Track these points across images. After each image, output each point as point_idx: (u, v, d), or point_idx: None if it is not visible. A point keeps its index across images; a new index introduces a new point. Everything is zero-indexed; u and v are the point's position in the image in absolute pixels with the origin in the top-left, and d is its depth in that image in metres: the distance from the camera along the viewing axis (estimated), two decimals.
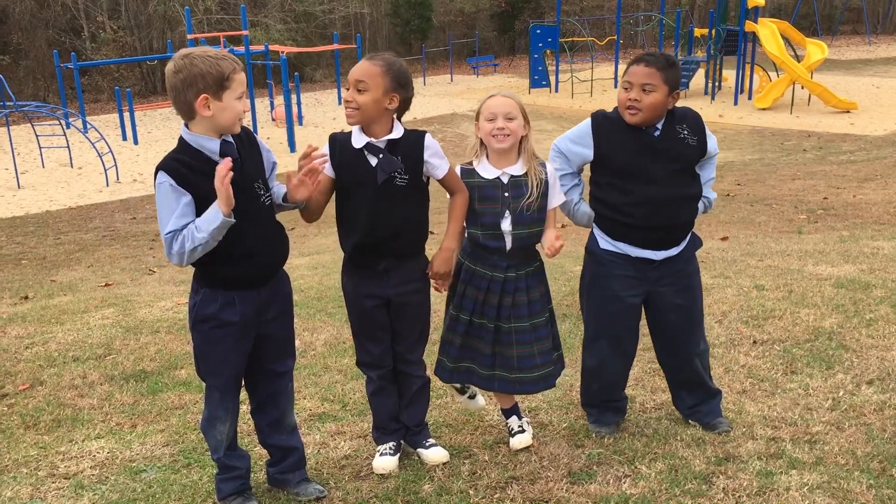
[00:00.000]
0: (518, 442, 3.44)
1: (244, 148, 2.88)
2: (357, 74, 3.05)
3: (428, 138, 3.17)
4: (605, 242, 3.41)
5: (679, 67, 3.34)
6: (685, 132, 3.31)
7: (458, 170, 3.25)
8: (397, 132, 3.12)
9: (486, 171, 3.24)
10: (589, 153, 3.36)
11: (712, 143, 3.41)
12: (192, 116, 2.75)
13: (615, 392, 3.62)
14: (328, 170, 3.12)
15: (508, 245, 3.23)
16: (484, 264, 3.26)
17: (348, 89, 3.07)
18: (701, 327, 3.55)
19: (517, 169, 3.23)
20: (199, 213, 2.75)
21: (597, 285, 3.46)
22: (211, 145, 2.77)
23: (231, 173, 2.65)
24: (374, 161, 3.08)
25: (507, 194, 3.21)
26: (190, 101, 2.70)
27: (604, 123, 3.35)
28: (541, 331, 3.33)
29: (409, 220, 3.16)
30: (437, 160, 3.16)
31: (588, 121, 3.39)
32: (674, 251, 3.37)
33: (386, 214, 3.10)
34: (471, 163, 3.28)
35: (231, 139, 2.83)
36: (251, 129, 15.93)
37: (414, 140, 3.14)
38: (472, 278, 3.27)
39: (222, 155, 2.77)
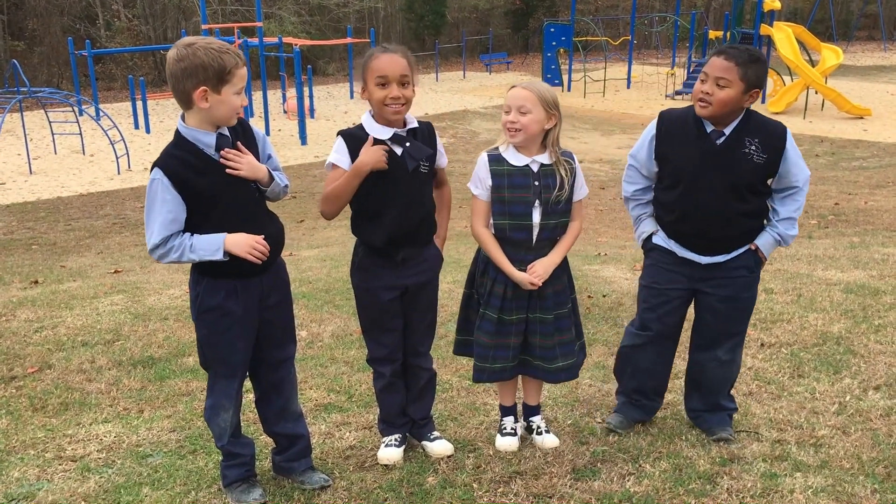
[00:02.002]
0: (550, 441, 3.42)
1: (240, 139, 2.87)
2: (400, 69, 2.97)
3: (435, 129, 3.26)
4: (657, 238, 3.43)
5: (764, 64, 3.16)
6: (753, 146, 3.16)
7: (485, 156, 3.19)
8: (412, 121, 3.13)
9: (515, 158, 3.16)
10: (649, 158, 3.37)
11: (795, 170, 3.21)
12: (189, 106, 2.74)
13: (645, 384, 3.56)
14: (346, 165, 3.07)
15: (535, 237, 3.18)
16: (513, 261, 3.20)
17: (384, 85, 2.98)
18: (735, 339, 3.45)
19: (545, 158, 3.17)
20: (190, 210, 2.76)
21: (646, 275, 3.50)
22: (207, 139, 2.76)
23: (264, 248, 2.80)
24: (398, 150, 3.07)
25: (537, 183, 3.14)
26: (188, 92, 2.69)
27: (668, 123, 3.32)
28: (563, 322, 3.31)
29: (431, 207, 3.23)
30: (442, 149, 3.26)
31: (653, 122, 3.39)
32: (721, 258, 3.32)
33: (415, 203, 3.12)
34: (497, 149, 3.21)
35: (227, 132, 2.83)
36: (264, 120, 15.69)
37: (428, 129, 3.19)
38: (499, 274, 3.22)
39: (218, 149, 2.78)
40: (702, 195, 3.22)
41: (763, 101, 21.76)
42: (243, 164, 2.81)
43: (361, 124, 3.12)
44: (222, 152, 2.78)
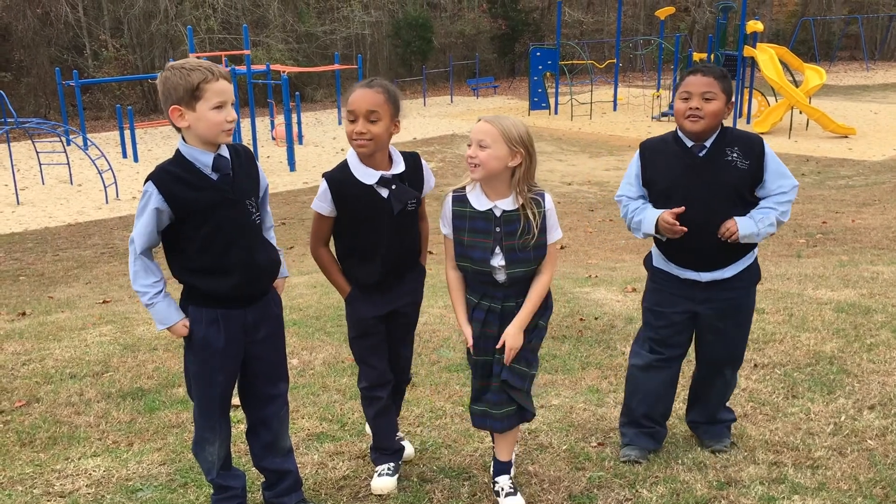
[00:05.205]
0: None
1: (239, 163, 2.87)
2: (367, 104, 2.96)
3: (421, 157, 3.25)
4: (658, 260, 3.48)
5: (730, 79, 3.32)
6: (735, 154, 3.23)
7: (450, 197, 3.07)
8: (398, 161, 3.12)
9: (479, 201, 2.99)
10: (638, 189, 3.41)
11: (779, 179, 3.22)
12: (176, 127, 2.77)
13: (655, 409, 3.57)
14: (328, 210, 3.10)
15: (502, 278, 3.01)
16: (483, 296, 3.08)
17: (353, 121, 2.98)
18: (735, 359, 3.53)
19: (509, 203, 2.96)
20: (178, 225, 2.75)
21: (648, 298, 3.54)
22: (204, 158, 2.76)
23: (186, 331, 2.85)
24: (384, 193, 3.07)
25: (498, 229, 2.96)
26: (168, 113, 2.74)
27: (650, 149, 3.39)
28: (534, 365, 3.14)
29: (417, 237, 3.27)
30: (429, 174, 3.26)
31: (635, 156, 3.42)
32: (722, 274, 3.32)
33: (402, 240, 3.16)
34: (464, 188, 3.06)
35: (226, 154, 2.82)
36: (251, 146, 15.66)
37: (414, 164, 3.18)
38: (474, 311, 3.09)
39: (214, 168, 2.77)
40: (692, 208, 3.24)
41: (748, 122, 21.97)
42: None
43: (346, 164, 3.08)
44: None
